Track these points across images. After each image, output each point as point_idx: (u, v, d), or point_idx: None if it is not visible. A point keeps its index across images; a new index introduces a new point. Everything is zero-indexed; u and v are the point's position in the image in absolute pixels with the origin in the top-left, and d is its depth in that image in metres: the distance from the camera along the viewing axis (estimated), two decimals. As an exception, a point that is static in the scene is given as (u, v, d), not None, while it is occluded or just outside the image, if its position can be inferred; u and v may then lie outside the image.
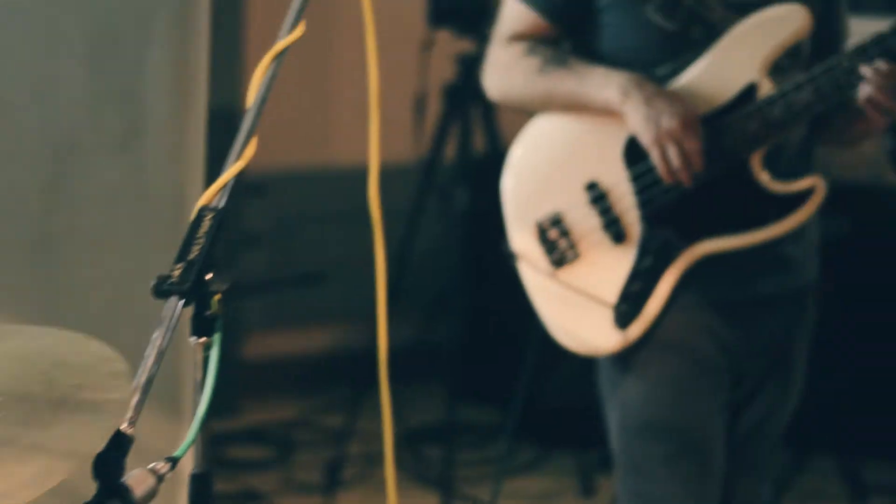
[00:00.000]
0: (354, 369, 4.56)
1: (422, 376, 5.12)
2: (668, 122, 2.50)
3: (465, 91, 4.54)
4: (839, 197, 4.99)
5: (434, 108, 4.76)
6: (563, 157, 2.68)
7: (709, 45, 2.59)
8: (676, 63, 2.61)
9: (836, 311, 4.66)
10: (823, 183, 2.61)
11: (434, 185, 4.75)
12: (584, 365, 2.85)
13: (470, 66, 4.42)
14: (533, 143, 2.72)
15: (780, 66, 2.61)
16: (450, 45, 4.73)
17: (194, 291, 1.45)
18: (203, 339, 1.49)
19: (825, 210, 4.90)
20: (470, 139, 4.65)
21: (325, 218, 5.46)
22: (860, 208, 4.94)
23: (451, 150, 4.69)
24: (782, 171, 2.61)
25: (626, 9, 2.62)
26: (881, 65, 2.49)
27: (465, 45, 4.65)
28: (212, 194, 1.54)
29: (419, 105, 4.78)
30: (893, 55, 2.50)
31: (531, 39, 2.70)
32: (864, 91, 2.49)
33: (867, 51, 2.51)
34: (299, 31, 1.68)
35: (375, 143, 1.86)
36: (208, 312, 1.48)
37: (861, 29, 2.57)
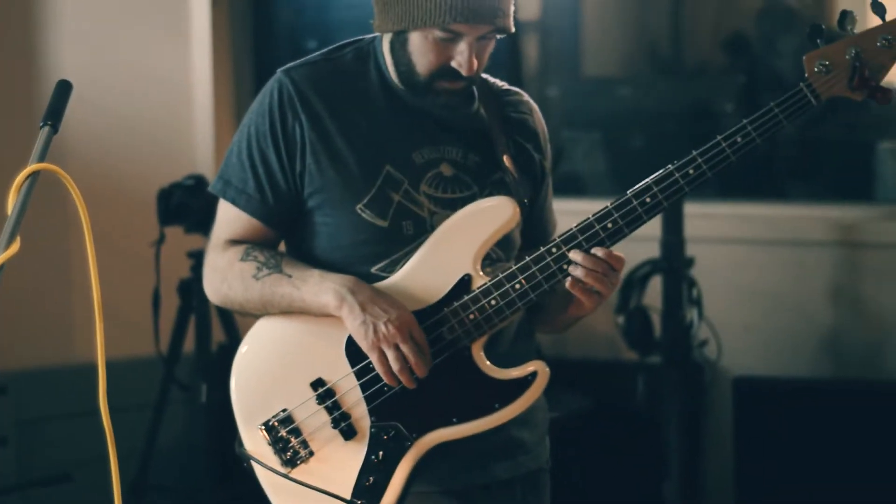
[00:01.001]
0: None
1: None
2: (385, 327, 2.56)
3: (199, 285, 4.54)
4: (579, 374, 5.22)
5: (172, 302, 4.77)
6: (288, 355, 2.69)
7: (422, 240, 2.65)
8: (391, 259, 2.67)
9: (579, 486, 4.80)
10: (545, 367, 2.68)
11: (175, 379, 4.73)
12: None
13: (201, 262, 4.44)
14: (258, 343, 2.73)
15: (492, 258, 2.70)
16: (184, 241, 4.78)
17: None
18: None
19: (568, 387, 5.05)
20: (207, 333, 4.66)
21: (68, 416, 5.37)
22: (600, 384, 5.12)
23: (190, 344, 4.70)
24: (504, 357, 2.68)
25: (338, 208, 2.67)
26: (587, 252, 2.60)
27: (197, 241, 4.69)
28: None
29: (156, 300, 4.78)
30: (600, 241, 2.62)
31: (247, 243, 2.74)
32: (573, 276, 2.60)
33: (575, 237, 2.62)
34: (15, 247, 1.69)
35: (101, 347, 1.87)
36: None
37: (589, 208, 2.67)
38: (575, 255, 2.60)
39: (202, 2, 5.68)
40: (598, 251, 2.60)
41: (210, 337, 4.69)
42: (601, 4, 6.57)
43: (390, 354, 2.57)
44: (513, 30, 2.67)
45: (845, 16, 2.62)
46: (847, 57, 2.60)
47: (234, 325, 4.73)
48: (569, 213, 2.70)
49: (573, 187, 5.89)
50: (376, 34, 2.77)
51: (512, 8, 2.66)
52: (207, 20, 5.69)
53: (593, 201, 2.70)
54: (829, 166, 6.22)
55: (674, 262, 4.82)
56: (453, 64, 2.64)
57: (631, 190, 2.62)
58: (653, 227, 4.73)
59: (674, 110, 6.24)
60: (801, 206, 5.64)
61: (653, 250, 4.85)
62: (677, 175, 2.62)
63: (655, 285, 4.87)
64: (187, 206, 4.57)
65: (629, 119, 6.27)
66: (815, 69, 2.61)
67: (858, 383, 5.24)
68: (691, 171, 2.62)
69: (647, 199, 2.61)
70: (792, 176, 6.20)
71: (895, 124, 7.44)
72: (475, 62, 2.65)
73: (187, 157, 5.62)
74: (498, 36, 2.68)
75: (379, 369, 2.59)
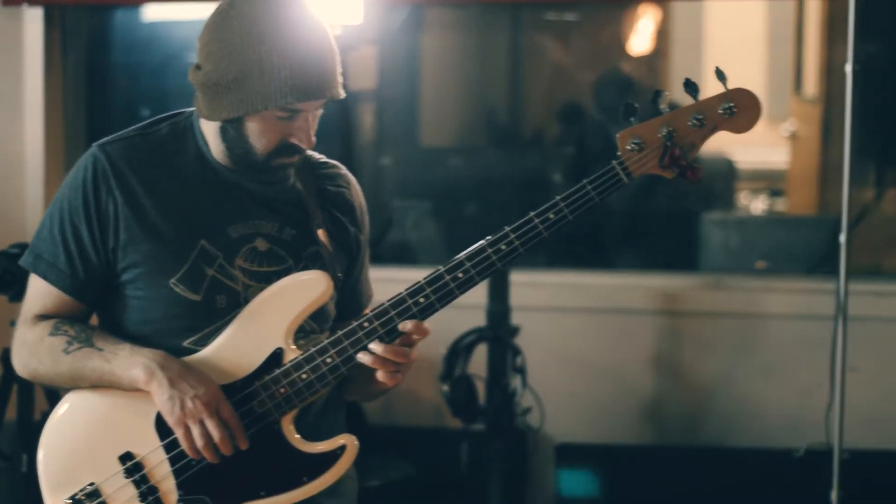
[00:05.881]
0: None
1: None
2: (191, 402, 2.58)
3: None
4: (404, 442, 5.26)
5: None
6: (97, 428, 2.69)
7: (235, 314, 2.68)
8: (203, 333, 2.68)
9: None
10: (355, 440, 2.71)
11: (-2, 449, 4.67)
12: None
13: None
14: (67, 416, 2.72)
15: (306, 330, 2.74)
16: (8, 310, 4.71)
17: None
18: None
19: (392, 454, 5.08)
20: (31, 401, 4.60)
21: None
22: (424, 451, 5.17)
23: (12, 412, 4.63)
24: (313, 428, 2.71)
25: (150, 283, 2.69)
26: (384, 343, 2.64)
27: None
28: None
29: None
30: (411, 315, 2.66)
31: (57, 317, 2.74)
32: (375, 352, 2.64)
33: (387, 312, 2.66)
34: None
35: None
36: None
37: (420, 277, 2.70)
38: (375, 347, 2.64)
39: (35, 70, 5.66)
40: (406, 324, 2.64)
41: (33, 406, 4.63)
42: (439, 75, 6.67)
43: (195, 430, 2.59)
44: (343, 96, 2.71)
45: (658, 94, 2.68)
46: (659, 136, 2.65)
47: (57, 394, 4.67)
48: (399, 281, 2.74)
49: (405, 256, 5.94)
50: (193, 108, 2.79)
51: (340, 75, 2.71)
52: (41, 89, 5.67)
53: (425, 269, 2.73)
54: (654, 236, 6.36)
55: (499, 330, 4.88)
56: (293, 140, 2.68)
57: (445, 265, 2.67)
58: (479, 296, 4.81)
59: (507, 180, 6.34)
60: (626, 275, 5.76)
61: (479, 318, 4.92)
62: (490, 251, 2.66)
63: (481, 353, 4.93)
64: (12, 274, 4.51)
65: (463, 188, 6.35)
66: (628, 147, 2.65)
67: (678, 449, 5.35)
68: (503, 247, 2.66)
69: (460, 275, 2.65)
70: (618, 245, 6.33)
71: (719, 196, 7.65)
72: (312, 135, 2.70)
73: (17, 226, 5.56)
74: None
75: (183, 444, 2.61)
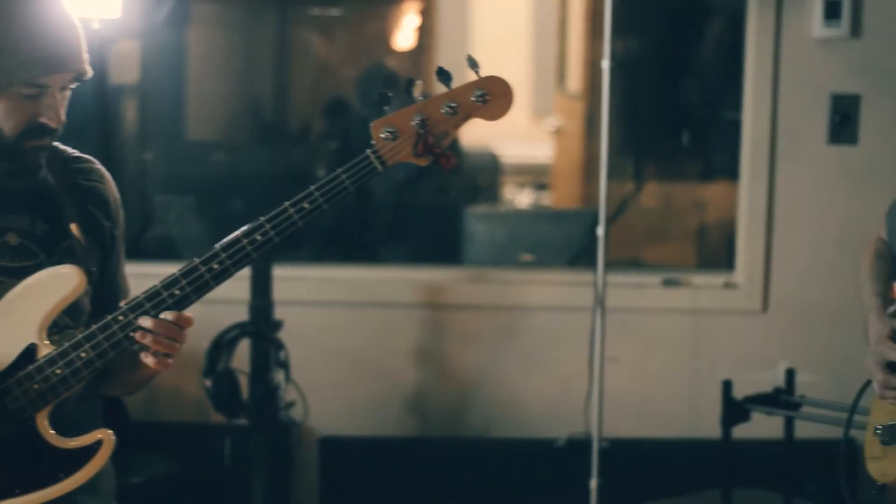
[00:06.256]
0: None
1: None
2: None
3: None
4: (167, 437, 5.21)
5: None
6: None
7: (-15, 311, 2.62)
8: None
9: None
10: (111, 435, 2.67)
11: None
12: None
13: None
14: None
15: (60, 325, 2.69)
16: None
17: None
18: None
19: (155, 450, 5.02)
20: None
21: None
22: (188, 447, 5.13)
23: None
24: (70, 426, 2.67)
25: None
26: (154, 318, 2.62)
27: None
28: None
29: None
30: (167, 307, 2.63)
31: None
32: (141, 343, 2.61)
33: (142, 305, 2.63)
34: None
35: None
36: None
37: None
38: (144, 322, 2.61)
39: None
40: (167, 315, 2.62)
41: None
42: (205, 70, 6.62)
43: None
44: (91, 74, 2.68)
45: (411, 83, 2.71)
46: (412, 124, 2.68)
47: None
48: (161, 276, 2.70)
49: (167, 251, 5.88)
50: None
51: (86, 52, 2.67)
52: None
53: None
54: (419, 230, 6.41)
55: (262, 325, 4.87)
56: (42, 120, 2.64)
57: (200, 256, 2.65)
58: (241, 291, 4.79)
59: (272, 175, 6.33)
60: (390, 269, 5.79)
61: (242, 313, 4.90)
62: (245, 241, 2.65)
63: (244, 348, 4.91)
64: None
65: (228, 183, 6.32)
66: (382, 136, 2.67)
67: (442, 441, 5.41)
68: (258, 237, 2.65)
69: (215, 266, 2.64)
70: (383, 239, 6.37)
71: (485, 190, 7.76)
72: (63, 113, 2.65)
73: None
74: (72, 85, 2.69)
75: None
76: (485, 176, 7.86)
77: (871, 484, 2.85)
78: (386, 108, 2.70)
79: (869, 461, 2.85)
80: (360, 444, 5.33)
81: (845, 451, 3.05)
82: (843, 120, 5.25)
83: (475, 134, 6.59)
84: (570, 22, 8.12)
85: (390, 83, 6.45)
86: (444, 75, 2.70)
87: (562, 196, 8.14)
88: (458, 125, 2.73)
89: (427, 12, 7.33)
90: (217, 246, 2.66)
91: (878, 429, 2.82)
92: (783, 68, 5.27)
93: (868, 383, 2.90)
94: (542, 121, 8.52)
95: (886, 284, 2.90)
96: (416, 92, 2.70)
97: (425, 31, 7.19)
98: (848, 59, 5.23)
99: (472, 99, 2.70)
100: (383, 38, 7.00)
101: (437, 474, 5.27)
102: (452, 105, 2.70)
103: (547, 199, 8.33)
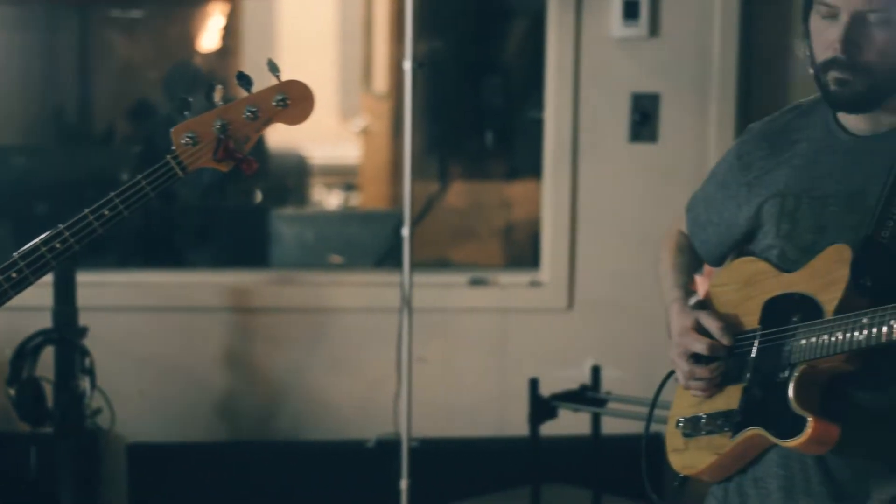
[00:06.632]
0: None
1: None
2: None
3: None
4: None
5: None
6: None
7: None
8: None
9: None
10: None
11: None
12: None
13: None
14: None
15: None
16: None
17: None
18: None
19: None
20: None
21: None
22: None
23: None
24: None
25: None
26: None
27: None
28: None
29: None
30: None
31: None
32: None
33: None
34: None
35: None
36: None
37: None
38: None
39: None
40: None
41: None
42: (4, 73, 6.49)
43: None
44: None
45: (212, 88, 2.72)
46: (213, 129, 2.70)
47: None
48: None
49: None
50: None
51: None
52: None
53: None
54: (225, 233, 6.38)
55: (66, 331, 4.79)
56: None
57: (-2, 267, 2.62)
58: (44, 297, 4.71)
59: (75, 179, 6.23)
60: (195, 273, 5.75)
61: (45, 321, 4.81)
62: (43, 249, 2.64)
63: (48, 355, 4.83)
64: None
65: (29, 188, 6.20)
66: (182, 141, 2.69)
67: (252, 445, 5.39)
68: (58, 245, 2.64)
69: (13, 275, 2.62)
70: (188, 243, 6.32)
71: (292, 191, 7.75)
72: None
73: None
74: None
75: None
76: (292, 178, 7.84)
77: (674, 476, 2.91)
78: (187, 112, 2.70)
79: (671, 454, 2.91)
80: (169, 450, 5.28)
81: (646, 445, 3.11)
82: (643, 118, 5.36)
83: (282, 136, 6.58)
84: (375, 22, 8.15)
85: (197, 81, 6.41)
86: (244, 80, 2.72)
87: (370, 197, 8.17)
88: (259, 129, 2.75)
89: (232, 14, 7.28)
90: (15, 254, 2.63)
91: (681, 421, 2.88)
92: (583, 68, 5.36)
93: (669, 376, 2.96)
94: (349, 121, 8.53)
95: (688, 277, 2.97)
96: (217, 97, 2.71)
97: (230, 33, 7.14)
98: (647, 58, 5.34)
99: (273, 103, 2.73)
100: (188, 39, 6.94)
101: (248, 478, 5.25)
102: (253, 109, 2.73)
103: (356, 200, 8.34)
